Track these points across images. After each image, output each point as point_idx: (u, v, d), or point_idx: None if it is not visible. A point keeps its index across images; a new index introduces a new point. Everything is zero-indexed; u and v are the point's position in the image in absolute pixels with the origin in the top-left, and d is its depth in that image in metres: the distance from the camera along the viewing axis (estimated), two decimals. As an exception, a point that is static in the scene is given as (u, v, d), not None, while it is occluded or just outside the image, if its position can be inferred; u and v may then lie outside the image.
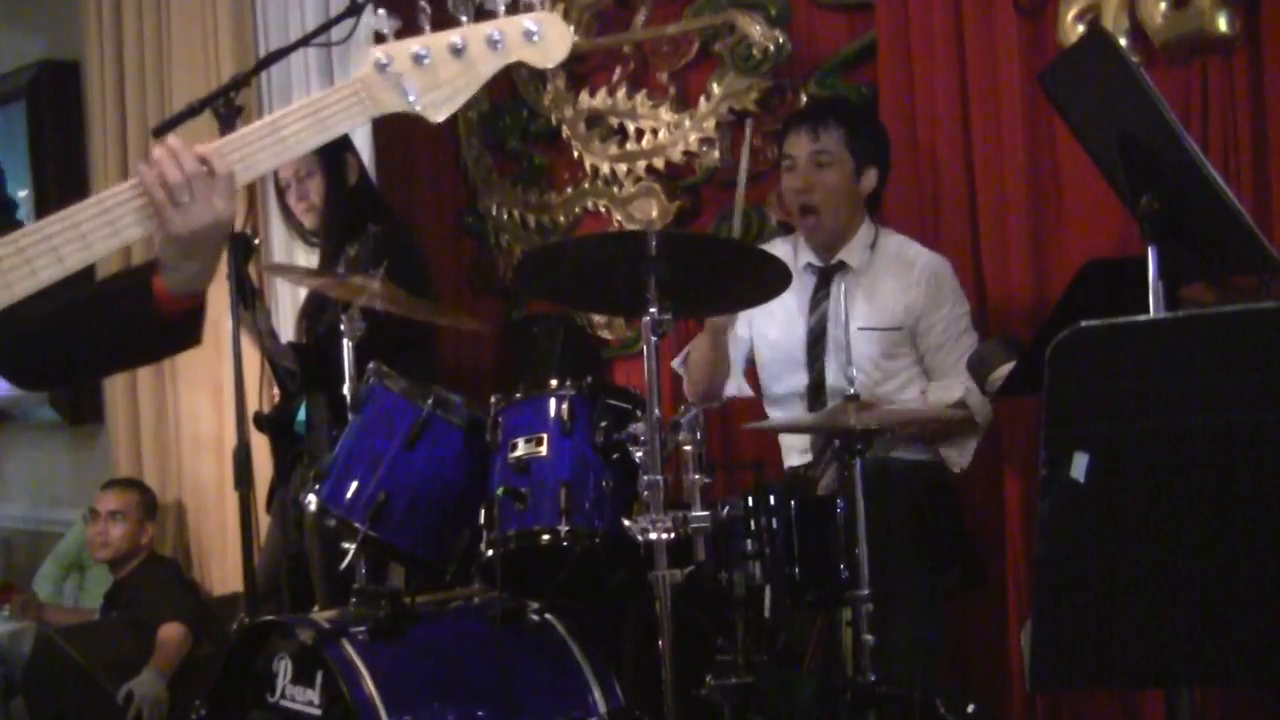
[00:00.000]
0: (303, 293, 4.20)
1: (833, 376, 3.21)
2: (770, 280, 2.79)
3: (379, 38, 1.76)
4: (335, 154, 3.90)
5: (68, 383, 1.99)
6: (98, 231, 1.66)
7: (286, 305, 4.59)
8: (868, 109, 3.54)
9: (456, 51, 1.74)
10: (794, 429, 3.35)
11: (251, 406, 3.59)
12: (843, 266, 3.29)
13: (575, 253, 3.00)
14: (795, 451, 3.35)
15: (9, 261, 1.65)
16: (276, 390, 4.09)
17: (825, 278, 3.30)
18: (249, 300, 3.53)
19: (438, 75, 1.74)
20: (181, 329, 1.81)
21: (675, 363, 3.46)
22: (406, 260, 3.67)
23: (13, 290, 1.65)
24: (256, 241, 3.70)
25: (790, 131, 3.32)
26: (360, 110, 1.73)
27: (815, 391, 3.26)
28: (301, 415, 3.92)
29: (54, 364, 1.90)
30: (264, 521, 3.93)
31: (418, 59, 1.73)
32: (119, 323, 1.80)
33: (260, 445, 3.83)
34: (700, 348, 3.30)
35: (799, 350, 3.29)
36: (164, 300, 1.76)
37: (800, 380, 3.29)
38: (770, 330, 3.37)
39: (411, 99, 1.73)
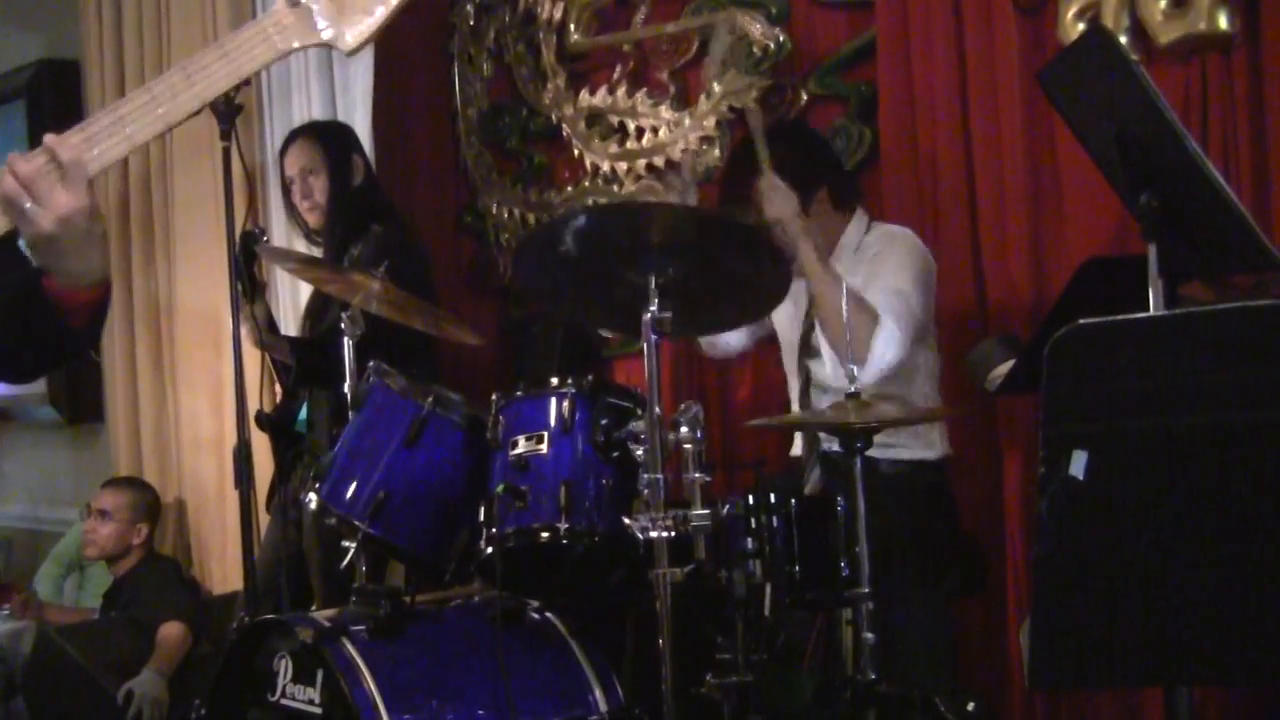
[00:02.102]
0: (305, 294, 4.21)
1: (818, 373, 3.25)
2: (771, 282, 2.79)
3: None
4: (341, 153, 3.91)
5: (20, 380, 1.97)
6: None
7: (288, 305, 4.59)
8: (780, 133, 3.44)
9: None
10: (793, 427, 3.36)
11: (252, 405, 3.60)
12: None
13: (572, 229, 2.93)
14: (799, 440, 3.37)
15: None
16: (279, 388, 4.09)
17: None
18: (250, 293, 3.54)
19: (346, 4, 1.74)
20: (87, 324, 1.78)
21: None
22: (408, 261, 3.68)
23: None
24: (266, 239, 3.69)
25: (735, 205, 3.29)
26: (268, 47, 1.72)
27: (804, 391, 3.32)
28: (303, 415, 3.92)
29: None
30: (264, 520, 3.93)
31: None
32: (35, 326, 1.78)
33: (260, 444, 3.83)
34: None
35: (794, 349, 3.35)
36: (61, 299, 1.73)
37: (794, 379, 3.36)
38: (780, 321, 3.43)
39: (320, 28, 1.73)
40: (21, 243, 1.72)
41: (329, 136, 3.96)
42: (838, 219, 3.32)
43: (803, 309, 3.31)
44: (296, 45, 1.73)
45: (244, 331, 3.62)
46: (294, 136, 4.02)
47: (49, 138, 1.66)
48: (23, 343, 1.82)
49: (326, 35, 1.73)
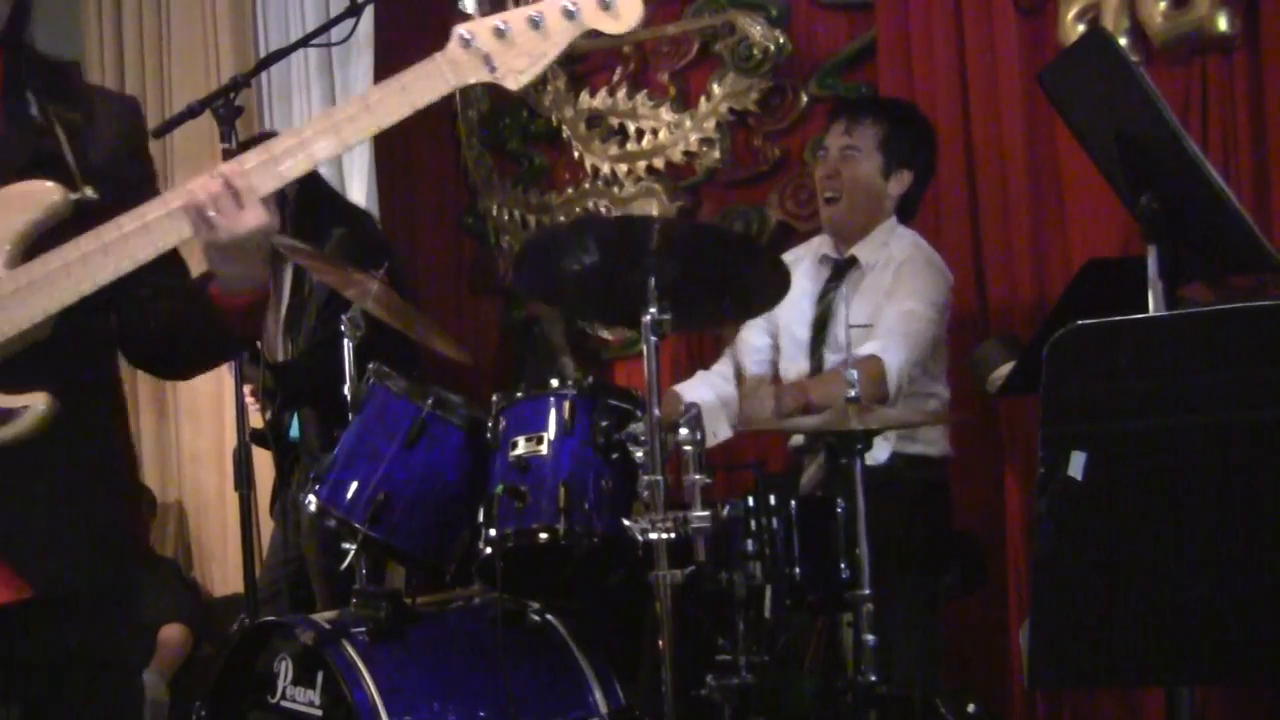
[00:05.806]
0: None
1: (834, 364, 3.23)
2: (770, 285, 2.79)
3: (465, 16, 1.93)
4: None
5: (191, 373, 2.17)
6: (138, 239, 1.85)
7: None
8: (915, 114, 3.49)
9: (535, 24, 1.85)
10: (793, 429, 3.35)
11: (252, 405, 3.58)
12: (854, 263, 3.30)
13: (575, 239, 2.94)
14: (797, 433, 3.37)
15: (77, 264, 1.84)
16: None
17: (838, 270, 3.32)
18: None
19: (516, 46, 1.85)
20: (240, 327, 1.97)
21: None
22: (370, 256, 3.59)
23: (80, 288, 1.84)
24: None
25: (831, 122, 3.40)
26: (443, 82, 1.85)
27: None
28: (295, 431, 3.90)
29: (173, 358, 2.08)
30: (267, 526, 3.92)
31: (498, 33, 1.85)
32: (198, 323, 1.97)
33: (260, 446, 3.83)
34: None
35: (805, 337, 3.33)
36: (220, 302, 1.92)
37: (804, 367, 3.32)
38: (785, 314, 3.40)
39: (492, 68, 1.86)
40: None
41: None
42: (886, 209, 3.32)
43: (813, 298, 3.31)
44: (469, 81, 1.86)
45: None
46: None
47: (224, 167, 1.84)
48: (186, 341, 2.00)
49: (497, 75, 1.86)
